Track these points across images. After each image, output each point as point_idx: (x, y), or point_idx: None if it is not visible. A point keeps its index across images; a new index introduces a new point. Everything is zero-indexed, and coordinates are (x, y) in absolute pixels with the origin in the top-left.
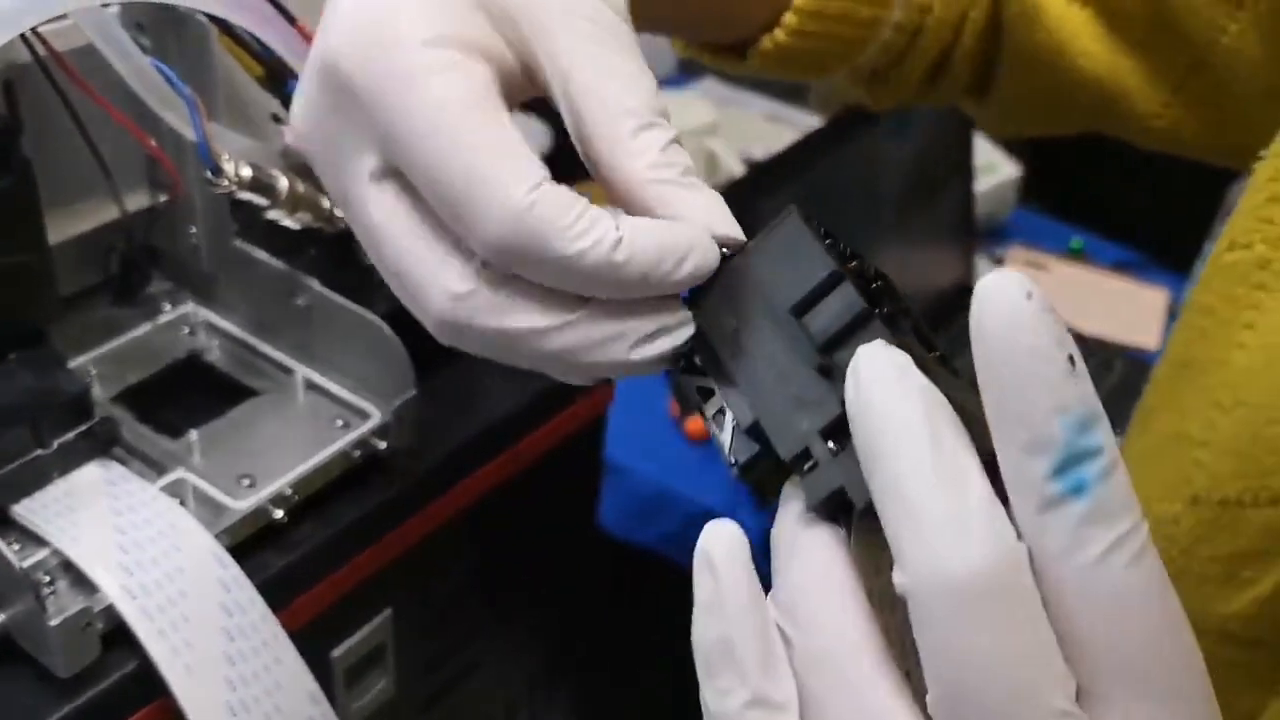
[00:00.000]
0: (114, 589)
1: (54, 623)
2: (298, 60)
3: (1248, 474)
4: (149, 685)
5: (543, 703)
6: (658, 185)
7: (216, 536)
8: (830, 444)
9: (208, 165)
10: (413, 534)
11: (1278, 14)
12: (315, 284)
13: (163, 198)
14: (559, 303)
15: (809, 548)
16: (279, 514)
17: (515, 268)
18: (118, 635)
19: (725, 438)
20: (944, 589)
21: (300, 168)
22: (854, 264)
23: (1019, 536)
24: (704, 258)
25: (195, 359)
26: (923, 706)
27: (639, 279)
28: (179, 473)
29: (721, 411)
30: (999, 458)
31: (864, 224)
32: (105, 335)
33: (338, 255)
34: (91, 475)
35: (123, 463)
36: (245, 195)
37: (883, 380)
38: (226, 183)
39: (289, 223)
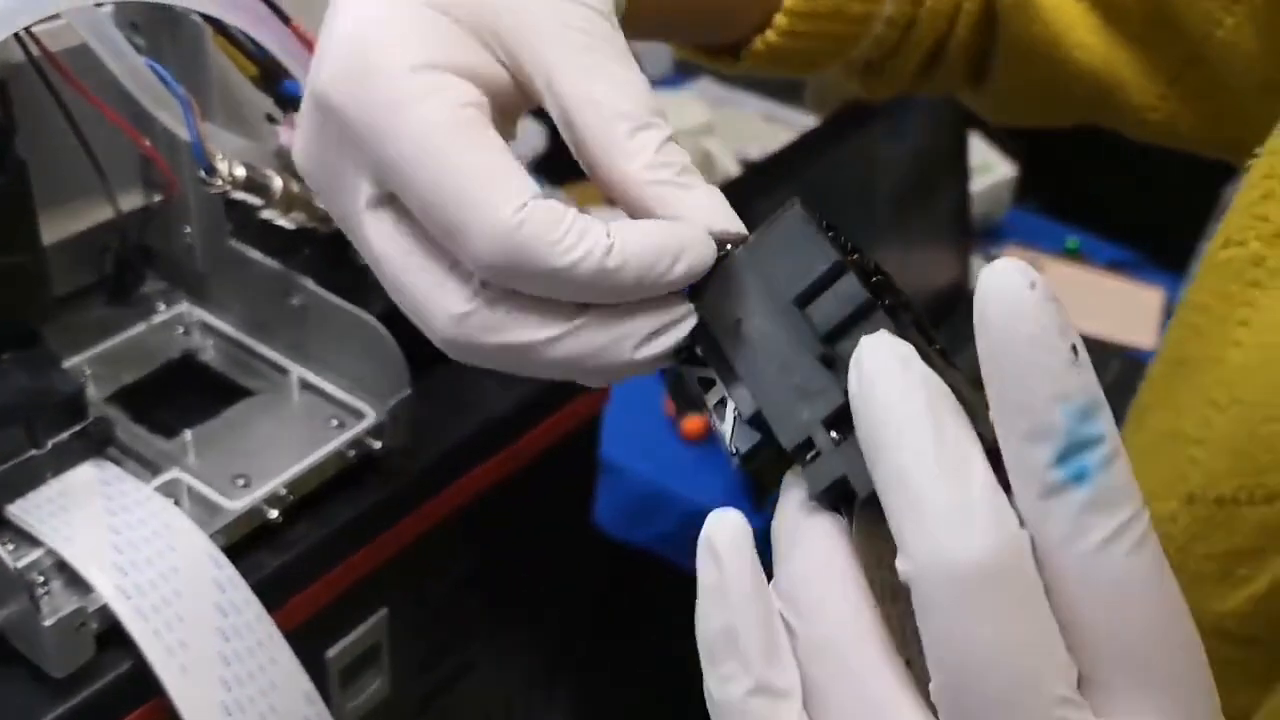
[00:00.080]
0: (108, 589)
1: (48, 623)
2: (292, 60)
3: (1243, 471)
4: (143, 685)
5: (539, 703)
6: (655, 186)
7: (211, 536)
8: (833, 433)
9: (202, 165)
10: (408, 534)
11: (1274, 7)
12: (310, 284)
13: (157, 197)
14: (559, 312)
15: (811, 537)
16: (274, 514)
17: (511, 284)
18: (112, 635)
19: (726, 428)
20: (947, 577)
21: (294, 168)
22: (855, 257)
23: (1021, 525)
24: (698, 256)
25: (190, 359)
26: (924, 695)
27: (633, 283)
28: (174, 473)
29: (723, 402)
30: (1001, 446)
31: (860, 224)
32: (100, 335)
33: (332, 255)
34: (86, 475)
35: (117, 463)
36: (239, 195)
37: (886, 370)
38: (221, 182)
39: (283, 222)
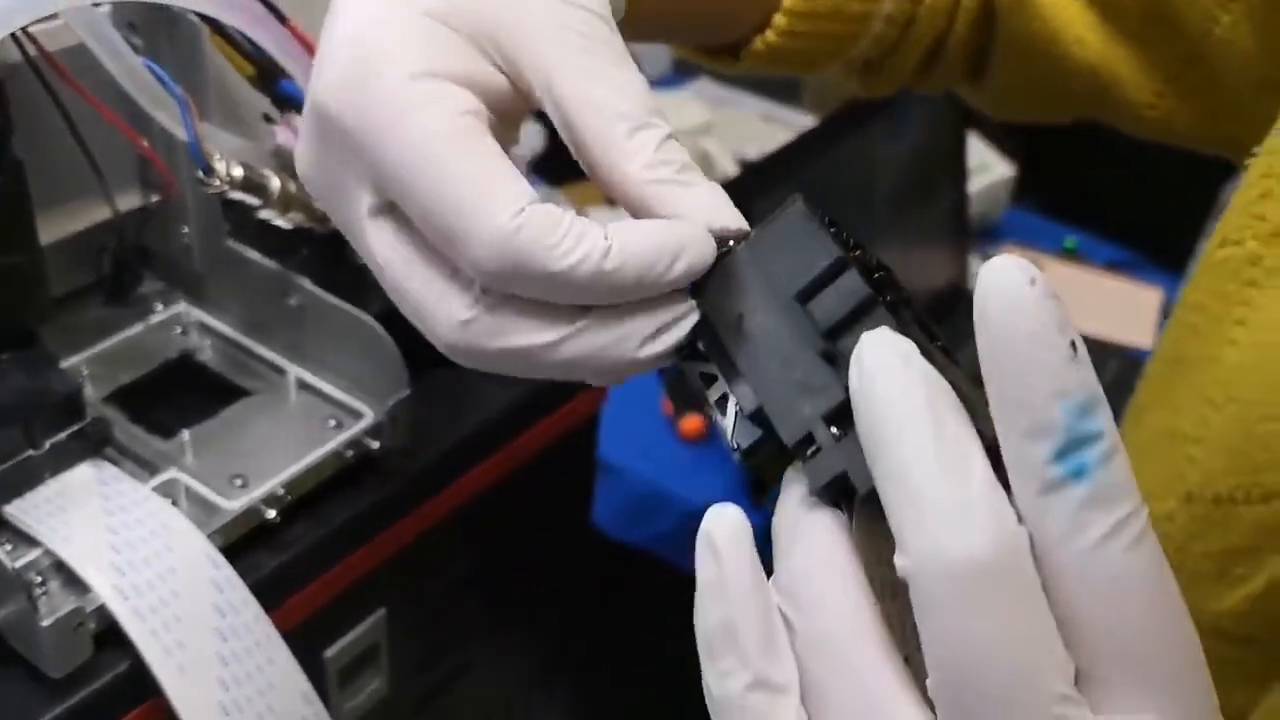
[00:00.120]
0: (106, 589)
1: (46, 623)
2: (289, 60)
3: (1240, 471)
4: (141, 686)
5: (537, 703)
6: (655, 185)
7: (209, 537)
8: (833, 429)
9: (199, 165)
10: (406, 534)
11: (1270, 5)
12: (307, 284)
13: (154, 198)
14: (561, 315)
15: (811, 532)
16: (271, 514)
17: (512, 288)
18: (110, 636)
19: (728, 423)
20: (946, 574)
21: (292, 168)
22: (857, 253)
23: (1020, 521)
24: (697, 255)
25: (187, 359)
26: (923, 691)
27: (633, 283)
28: (171, 473)
29: (724, 397)
30: (1000, 442)
31: (858, 224)
32: (97, 335)
33: (330, 255)
34: (83, 475)
35: (115, 463)
36: (237, 195)
37: (887, 366)
38: (218, 182)
39: (281, 222)
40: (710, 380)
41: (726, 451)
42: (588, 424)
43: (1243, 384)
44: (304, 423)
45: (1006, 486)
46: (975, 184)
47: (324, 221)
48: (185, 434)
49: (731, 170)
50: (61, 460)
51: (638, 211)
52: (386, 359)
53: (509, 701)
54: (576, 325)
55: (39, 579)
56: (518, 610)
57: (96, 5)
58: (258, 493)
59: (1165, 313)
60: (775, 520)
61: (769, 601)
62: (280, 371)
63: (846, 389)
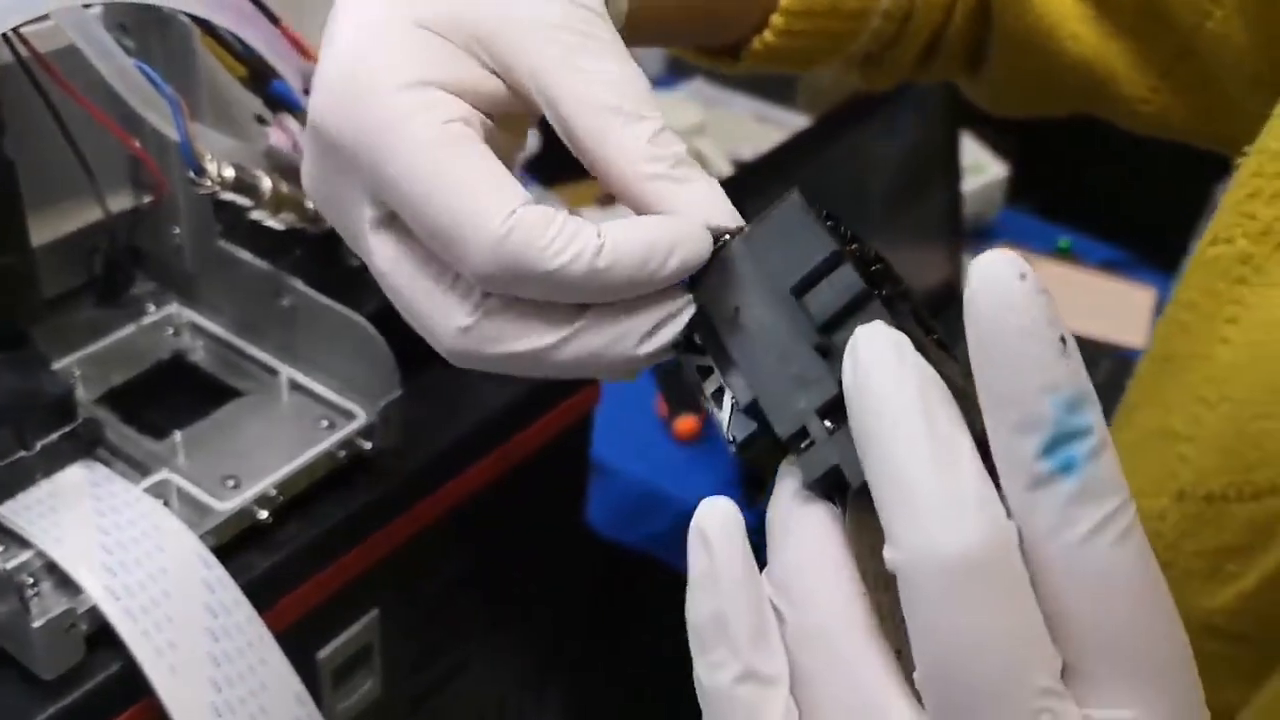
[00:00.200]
0: (98, 590)
1: (37, 624)
2: (280, 60)
3: (1232, 469)
4: (133, 687)
5: (531, 703)
6: (651, 181)
7: (201, 537)
8: (827, 423)
9: (191, 166)
10: (399, 534)
11: (1261, 0)
12: (299, 284)
13: (146, 198)
14: (560, 316)
15: (804, 526)
16: (264, 515)
17: (509, 291)
18: (101, 637)
19: (724, 416)
20: (934, 568)
21: (284, 168)
22: (854, 246)
23: (1009, 515)
24: (691, 251)
25: (179, 360)
26: (913, 684)
27: (626, 281)
28: (163, 474)
29: (720, 390)
30: (990, 437)
31: (852, 224)
32: (89, 336)
33: (322, 256)
34: (75, 476)
35: (106, 464)
36: (229, 196)
37: (880, 361)
38: (210, 183)
39: (273, 223)
40: (707, 373)
41: (721, 450)
42: (582, 424)
43: (1235, 382)
44: (296, 423)
45: (996, 480)
46: (969, 184)
47: (316, 222)
48: (177, 435)
49: (725, 170)
50: (53, 461)
51: (638, 207)
52: (378, 360)
53: (503, 702)
54: (575, 326)
55: (30, 580)
56: (512, 611)
57: (87, 6)
58: (250, 493)
59: (1158, 313)
60: (769, 514)
61: (760, 593)
62: (272, 372)
63: (840, 383)
